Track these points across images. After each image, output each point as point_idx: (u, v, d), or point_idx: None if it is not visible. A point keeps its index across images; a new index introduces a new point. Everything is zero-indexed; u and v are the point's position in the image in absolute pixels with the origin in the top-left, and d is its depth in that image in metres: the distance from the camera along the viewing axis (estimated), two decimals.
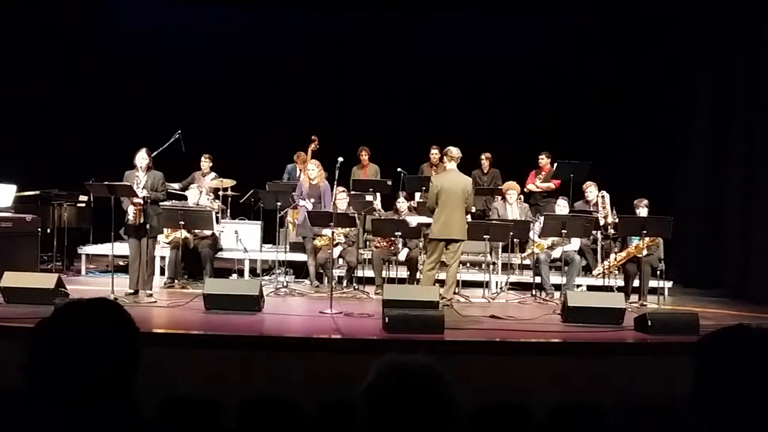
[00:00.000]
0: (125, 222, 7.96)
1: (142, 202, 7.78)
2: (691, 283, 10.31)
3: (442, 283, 8.19)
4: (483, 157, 11.36)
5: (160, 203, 8.25)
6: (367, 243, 10.09)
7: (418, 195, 10.67)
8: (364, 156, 11.24)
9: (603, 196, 9.45)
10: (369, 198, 10.27)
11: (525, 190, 10.82)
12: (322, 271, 9.46)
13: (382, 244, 9.40)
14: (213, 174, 10.69)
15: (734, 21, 10.28)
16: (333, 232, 8.46)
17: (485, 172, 11.40)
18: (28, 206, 9.43)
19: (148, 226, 7.91)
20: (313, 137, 10.91)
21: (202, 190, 10.08)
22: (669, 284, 9.57)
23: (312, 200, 9.46)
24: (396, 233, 8.82)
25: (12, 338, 5.41)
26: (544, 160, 11.02)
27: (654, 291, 8.97)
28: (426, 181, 9.47)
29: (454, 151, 8.24)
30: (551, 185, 10.91)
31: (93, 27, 12.32)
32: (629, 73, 11.60)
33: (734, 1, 10.33)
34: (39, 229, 8.84)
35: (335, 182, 8.72)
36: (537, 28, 12.52)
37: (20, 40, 11.24)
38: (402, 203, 9.66)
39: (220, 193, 10.66)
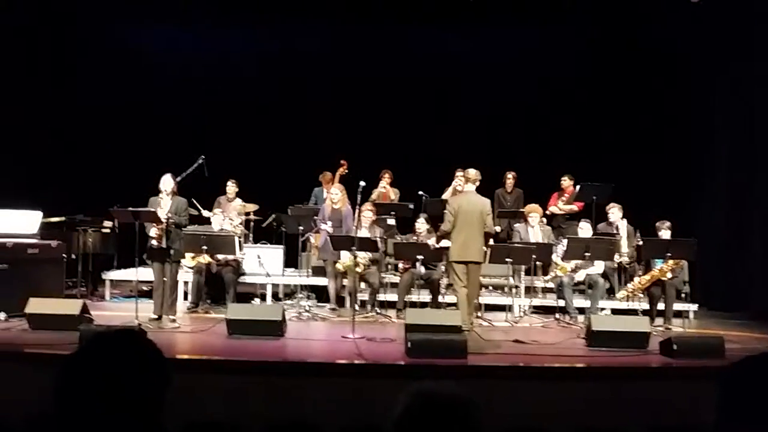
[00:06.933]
0: (148, 246, 8.03)
1: (165, 224, 7.85)
2: (716, 306, 10.19)
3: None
4: (509, 176, 11.34)
5: (183, 228, 8.31)
6: (388, 266, 10.08)
7: None
8: (387, 178, 11.23)
9: (618, 227, 9.49)
10: (391, 222, 10.26)
11: (547, 212, 10.79)
12: (344, 295, 9.45)
13: (408, 267, 9.34)
14: (239, 200, 10.76)
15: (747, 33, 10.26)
16: (356, 257, 8.46)
17: (509, 191, 11.38)
18: (53, 232, 9.50)
19: (171, 251, 7.98)
20: (342, 162, 10.92)
21: (226, 215, 10.13)
22: (694, 307, 9.47)
23: (331, 223, 9.45)
24: (417, 256, 8.81)
25: (38, 364, 5.46)
26: (566, 182, 11.01)
27: (679, 314, 8.88)
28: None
29: (472, 173, 8.20)
30: (574, 207, 10.87)
31: (110, 50, 12.40)
32: (648, 90, 11.52)
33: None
34: (64, 255, 8.92)
35: (357, 206, 8.73)
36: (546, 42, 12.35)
37: (33, 69, 11.41)
38: (421, 225, 9.63)
39: (243, 217, 10.72)
